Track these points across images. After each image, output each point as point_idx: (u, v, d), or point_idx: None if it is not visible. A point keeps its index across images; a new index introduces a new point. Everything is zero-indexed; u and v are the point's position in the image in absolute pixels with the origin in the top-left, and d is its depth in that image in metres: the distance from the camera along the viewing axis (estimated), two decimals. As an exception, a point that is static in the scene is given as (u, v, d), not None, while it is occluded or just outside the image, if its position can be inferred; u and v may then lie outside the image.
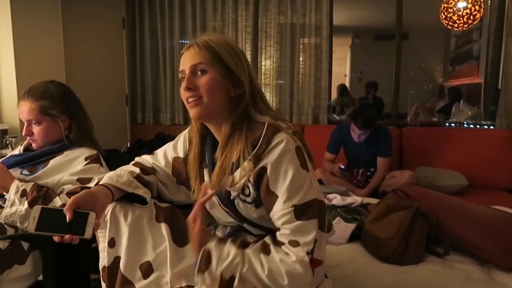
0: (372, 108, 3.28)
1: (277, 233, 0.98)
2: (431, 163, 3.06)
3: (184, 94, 1.03)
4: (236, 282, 0.92)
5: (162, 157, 1.23)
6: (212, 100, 1.01)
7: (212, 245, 0.97)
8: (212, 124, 1.08)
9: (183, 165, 1.19)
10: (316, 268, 0.93)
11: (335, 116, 4.92)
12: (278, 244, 0.96)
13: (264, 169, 0.97)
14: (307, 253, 0.92)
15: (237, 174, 1.02)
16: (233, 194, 1.05)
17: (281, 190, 0.96)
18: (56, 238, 0.97)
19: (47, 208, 1.00)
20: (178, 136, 1.25)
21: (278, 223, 0.97)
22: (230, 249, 0.96)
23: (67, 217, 0.96)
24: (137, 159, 1.26)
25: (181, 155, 1.20)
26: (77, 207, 0.98)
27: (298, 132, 1.05)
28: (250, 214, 1.06)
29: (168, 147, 1.24)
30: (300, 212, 0.94)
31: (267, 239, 0.99)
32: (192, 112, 1.03)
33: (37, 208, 0.96)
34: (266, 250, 0.96)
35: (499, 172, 2.98)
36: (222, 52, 1.02)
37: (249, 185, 1.02)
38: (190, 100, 1.02)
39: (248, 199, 1.04)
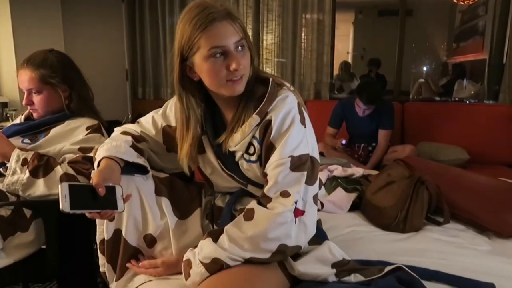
0: (377, 83, 3.26)
1: (266, 188, 0.98)
2: (432, 138, 3.05)
3: (228, 74, 0.97)
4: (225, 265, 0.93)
5: (151, 125, 1.19)
6: (248, 74, 1.02)
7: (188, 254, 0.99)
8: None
9: (175, 133, 1.14)
10: (298, 217, 0.95)
11: (336, 93, 4.87)
12: (264, 202, 0.96)
13: (269, 121, 1.00)
14: (294, 203, 0.94)
15: (241, 130, 1.02)
16: (238, 155, 1.06)
17: (281, 142, 0.98)
18: (90, 215, 0.95)
19: (75, 184, 0.94)
20: (165, 105, 1.21)
21: (273, 172, 0.97)
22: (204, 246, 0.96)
23: (100, 192, 0.93)
24: (122, 128, 1.21)
25: (173, 123, 1.17)
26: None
27: (296, 91, 1.07)
28: (255, 173, 1.07)
29: (156, 115, 1.20)
30: (295, 163, 0.97)
31: (250, 205, 0.99)
32: (237, 89, 0.99)
33: (65, 186, 0.90)
34: (249, 216, 0.96)
35: (500, 147, 2.98)
36: (242, 20, 1.01)
37: (255, 141, 1.03)
38: (234, 78, 0.97)
39: (253, 158, 1.05)
